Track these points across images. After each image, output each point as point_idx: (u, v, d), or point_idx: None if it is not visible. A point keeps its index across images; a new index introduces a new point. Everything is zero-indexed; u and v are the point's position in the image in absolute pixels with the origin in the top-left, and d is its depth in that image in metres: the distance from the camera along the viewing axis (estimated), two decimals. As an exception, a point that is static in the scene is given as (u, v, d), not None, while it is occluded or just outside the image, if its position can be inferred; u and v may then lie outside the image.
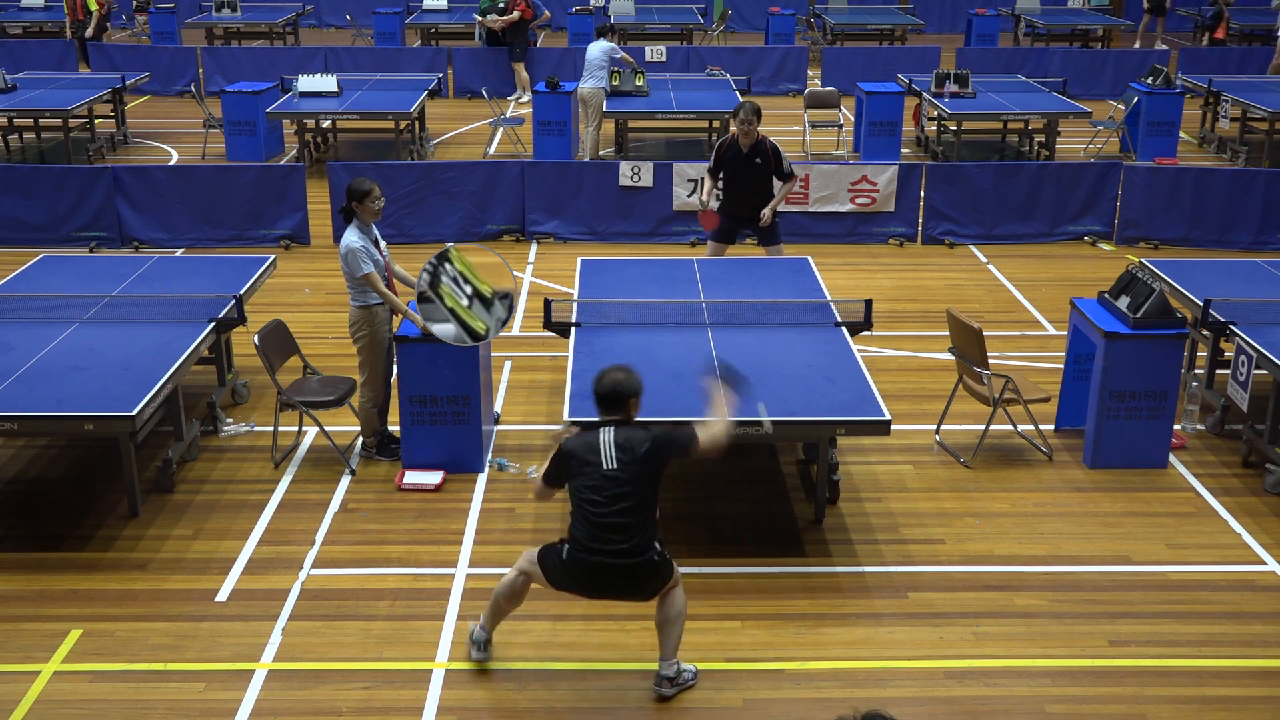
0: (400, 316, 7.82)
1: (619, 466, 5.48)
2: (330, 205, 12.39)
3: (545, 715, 5.74)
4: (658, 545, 5.60)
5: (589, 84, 15.16)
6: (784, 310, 8.26)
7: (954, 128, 15.50)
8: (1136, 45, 22.00)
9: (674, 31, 22.67)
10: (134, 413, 6.77)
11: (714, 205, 10.20)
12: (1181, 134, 16.36)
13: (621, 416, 5.64)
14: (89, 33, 20.61)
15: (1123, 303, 7.96)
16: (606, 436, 5.55)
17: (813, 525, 7.32)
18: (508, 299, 7.69)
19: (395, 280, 7.89)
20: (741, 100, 10.09)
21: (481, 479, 7.84)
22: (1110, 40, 23.86)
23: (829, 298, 8.50)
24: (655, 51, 19.51)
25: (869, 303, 8.22)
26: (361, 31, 24.10)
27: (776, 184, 10.01)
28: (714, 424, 5.66)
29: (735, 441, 5.81)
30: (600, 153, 15.49)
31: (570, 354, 7.67)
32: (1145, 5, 24.73)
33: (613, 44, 15.30)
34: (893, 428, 6.95)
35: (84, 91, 15.74)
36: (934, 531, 7.28)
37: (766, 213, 9.84)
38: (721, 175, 10.06)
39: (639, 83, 15.74)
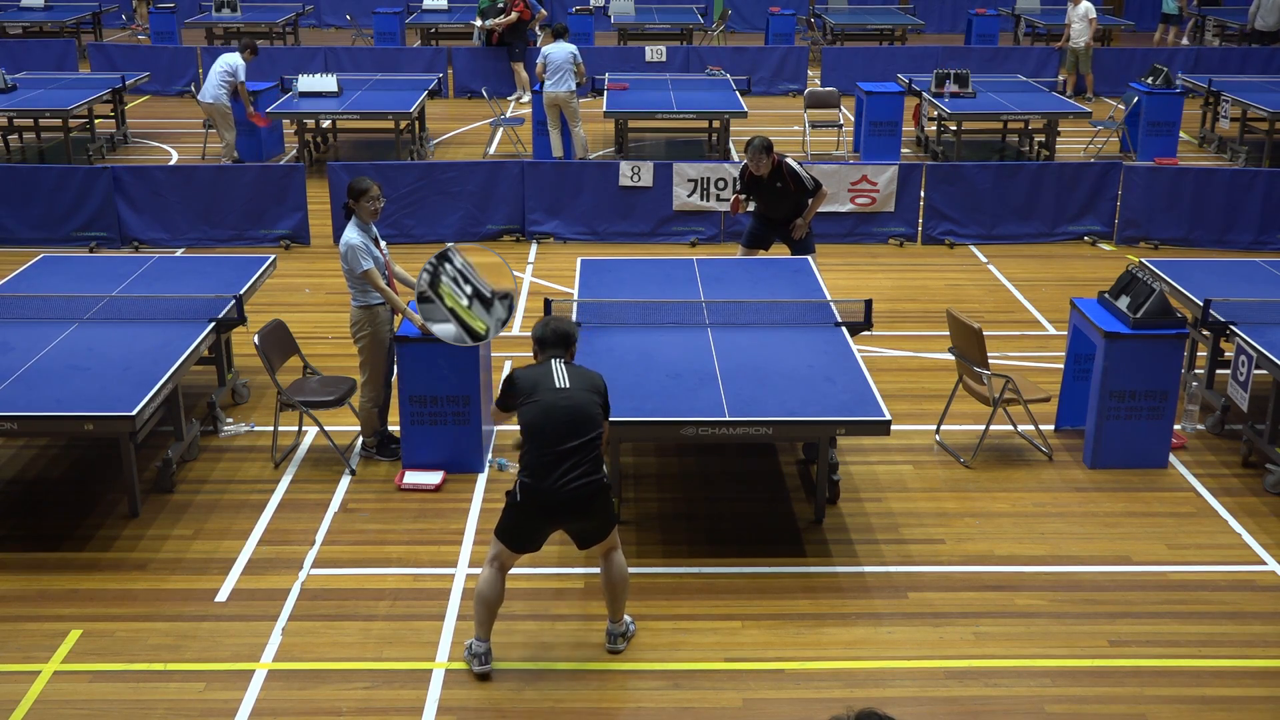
0: (400, 316, 7.81)
1: (571, 385, 5.76)
2: (330, 205, 12.40)
3: (545, 715, 5.74)
4: (605, 476, 5.83)
5: (562, 88, 14.82)
6: (784, 310, 8.26)
7: (954, 128, 15.51)
8: (1184, 42, 22.00)
9: (674, 31, 22.65)
10: (134, 413, 6.78)
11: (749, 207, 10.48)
12: (1181, 134, 16.36)
13: (566, 355, 5.98)
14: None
15: (1123, 303, 7.96)
16: (557, 366, 5.86)
17: (813, 525, 7.32)
18: (508, 299, 7.69)
19: (395, 281, 7.89)
20: (752, 138, 10.01)
21: (481, 479, 7.84)
22: (1110, 40, 23.84)
23: (829, 298, 8.50)
24: (655, 51, 19.48)
25: (869, 303, 8.22)
26: (361, 31, 24.09)
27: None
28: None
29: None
30: (592, 155, 15.44)
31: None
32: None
33: (574, 47, 15.25)
34: (893, 428, 6.95)
35: (84, 91, 15.74)
36: (934, 531, 7.28)
37: (800, 223, 10.00)
38: (750, 198, 10.27)
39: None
